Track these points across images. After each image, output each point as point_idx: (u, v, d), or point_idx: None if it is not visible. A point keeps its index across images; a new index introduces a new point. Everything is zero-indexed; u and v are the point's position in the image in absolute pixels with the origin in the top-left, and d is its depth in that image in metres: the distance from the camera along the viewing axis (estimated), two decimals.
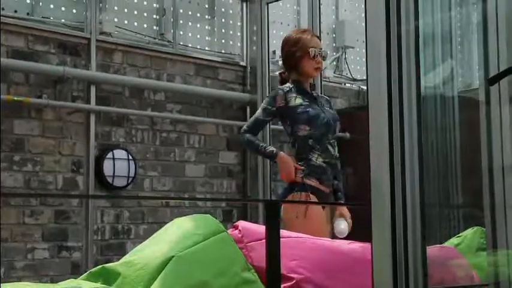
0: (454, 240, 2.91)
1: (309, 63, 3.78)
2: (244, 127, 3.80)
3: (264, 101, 3.86)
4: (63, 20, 5.39)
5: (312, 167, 3.66)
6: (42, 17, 5.28)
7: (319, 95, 4.02)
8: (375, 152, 2.08)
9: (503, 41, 2.05)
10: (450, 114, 2.62)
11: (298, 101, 3.72)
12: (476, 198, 2.26)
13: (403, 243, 2.01)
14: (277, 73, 4.12)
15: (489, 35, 2.11)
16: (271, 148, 3.77)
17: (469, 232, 2.88)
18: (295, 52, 3.78)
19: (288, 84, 3.80)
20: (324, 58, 3.86)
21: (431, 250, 2.25)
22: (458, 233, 2.93)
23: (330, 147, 3.73)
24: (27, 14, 5.21)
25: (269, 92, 6.21)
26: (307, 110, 3.70)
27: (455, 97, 2.70)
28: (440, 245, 2.76)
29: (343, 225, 3.66)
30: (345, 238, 3.49)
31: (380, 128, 2.07)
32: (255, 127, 3.77)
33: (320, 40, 3.93)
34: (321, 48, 3.84)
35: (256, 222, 5.23)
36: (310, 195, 3.61)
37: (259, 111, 3.79)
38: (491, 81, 1.97)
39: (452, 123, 2.64)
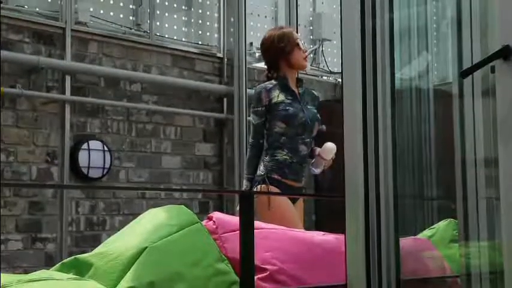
0: (427, 232, 2.93)
1: (299, 55, 3.80)
2: (250, 139, 3.81)
3: (251, 105, 3.84)
4: (37, 9, 5.32)
5: (275, 162, 3.68)
6: (16, 6, 5.21)
7: (307, 90, 3.98)
8: (349, 145, 2.09)
9: (477, 35, 2.07)
10: (424, 107, 2.64)
11: (281, 97, 3.72)
12: (449, 191, 2.28)
13: (376, 234, 2.03)
14: (261, 68, 4.14)
15: (463, 29, 2.13)
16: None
17: (442, 224, 2.91)
18: (283, 47, 3.77)
19: (272, 81, 3.78)
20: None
21: (405, 242, 2.26)
22: (432, 225, 2.96)
23: (302, 147, 3.74)
24: (1, 2, 5.13)
25: (246, 84, 6.23)
26: (287, 108, 3.70)
27: (429, 90, 2.72)
28: (414, 237, 2.79)
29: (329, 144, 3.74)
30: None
31: (354, 121, 2.08)
32: (257, 133, 3.75)
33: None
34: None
35: (232, 214, 5.23)
36: (272, 186, 3.64)
37: (252, 117, 3.79)
38: (463, 74, 1.99)
39: (426, 116, 2.66)
